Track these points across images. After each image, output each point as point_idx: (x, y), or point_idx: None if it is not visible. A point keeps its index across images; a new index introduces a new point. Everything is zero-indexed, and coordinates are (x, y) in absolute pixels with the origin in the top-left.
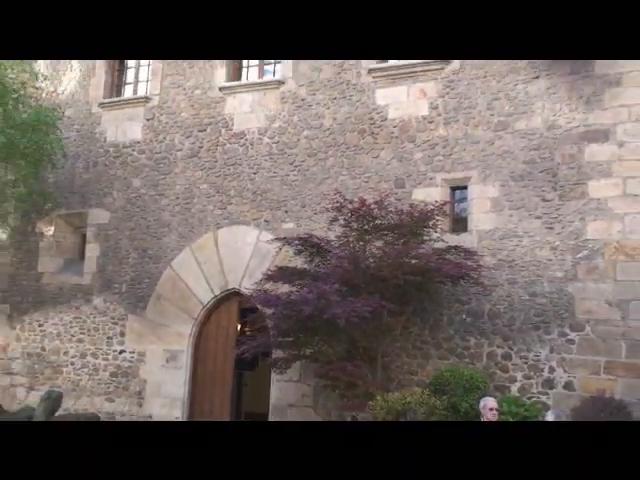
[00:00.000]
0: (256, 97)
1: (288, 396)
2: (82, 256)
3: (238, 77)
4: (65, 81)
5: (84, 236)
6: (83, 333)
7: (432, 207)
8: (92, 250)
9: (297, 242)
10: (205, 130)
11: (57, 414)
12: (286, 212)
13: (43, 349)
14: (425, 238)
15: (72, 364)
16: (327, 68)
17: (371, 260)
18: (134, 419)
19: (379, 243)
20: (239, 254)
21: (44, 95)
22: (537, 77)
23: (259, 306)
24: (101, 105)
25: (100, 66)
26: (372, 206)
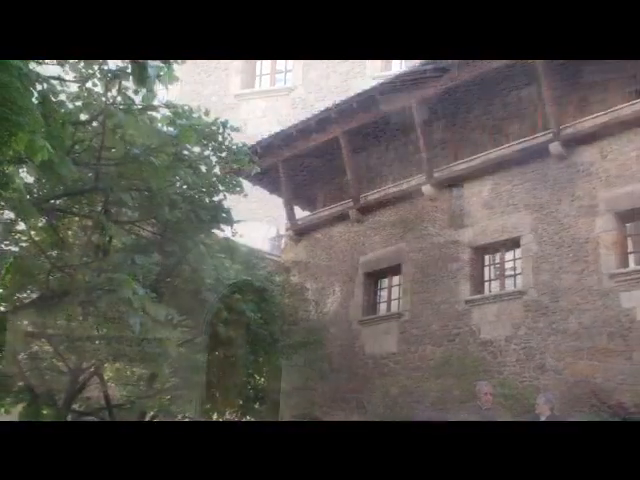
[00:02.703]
0: (268, 103)
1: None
2: None
3: (252, 84)
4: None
5: None
6: None
7: None
8: None
9: None
10: None
11: None
12: None
13: None
14: None
15: None
16: (334, 76)
17: None
18: None
19: None
20: None
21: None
22: (529, 84)
23: None
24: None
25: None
26: None
